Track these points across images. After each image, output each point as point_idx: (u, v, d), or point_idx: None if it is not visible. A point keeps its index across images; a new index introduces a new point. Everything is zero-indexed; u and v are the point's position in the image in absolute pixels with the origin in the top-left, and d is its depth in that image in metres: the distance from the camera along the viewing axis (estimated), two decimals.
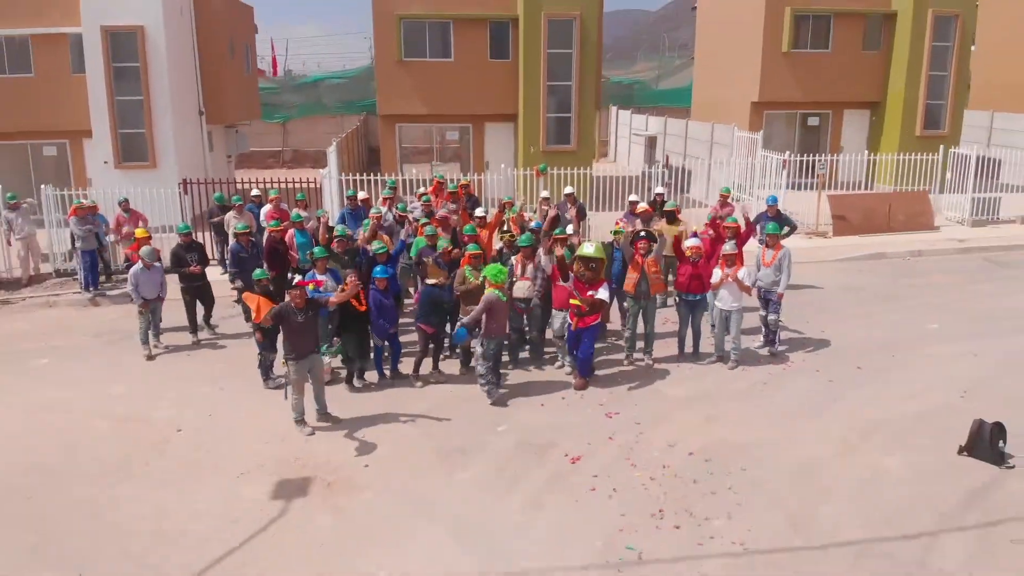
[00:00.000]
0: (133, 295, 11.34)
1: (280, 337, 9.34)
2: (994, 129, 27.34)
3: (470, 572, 6.51)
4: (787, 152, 18.95)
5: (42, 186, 16.66)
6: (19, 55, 20.62)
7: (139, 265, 11.18)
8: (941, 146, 20.37)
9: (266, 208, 14.95)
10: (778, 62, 22.94)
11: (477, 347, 9.61)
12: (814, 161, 19.04)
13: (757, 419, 9.23)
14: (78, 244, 15.07)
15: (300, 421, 9.01)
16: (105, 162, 19.73)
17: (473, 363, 10.16)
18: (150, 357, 11.59)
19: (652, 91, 37.51)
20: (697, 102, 28.67)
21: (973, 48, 26.49)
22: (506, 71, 21.26)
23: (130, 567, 6.67)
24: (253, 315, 8.80)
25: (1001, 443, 8.16)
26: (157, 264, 11.65)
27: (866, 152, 23.16)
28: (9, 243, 16.36)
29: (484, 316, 9.31)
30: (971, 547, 6.75)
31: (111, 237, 15.89)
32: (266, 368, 10.24)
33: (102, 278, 15.71)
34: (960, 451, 8.27)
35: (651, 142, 27.69)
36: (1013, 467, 8.01)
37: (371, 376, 10.54)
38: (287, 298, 8.92)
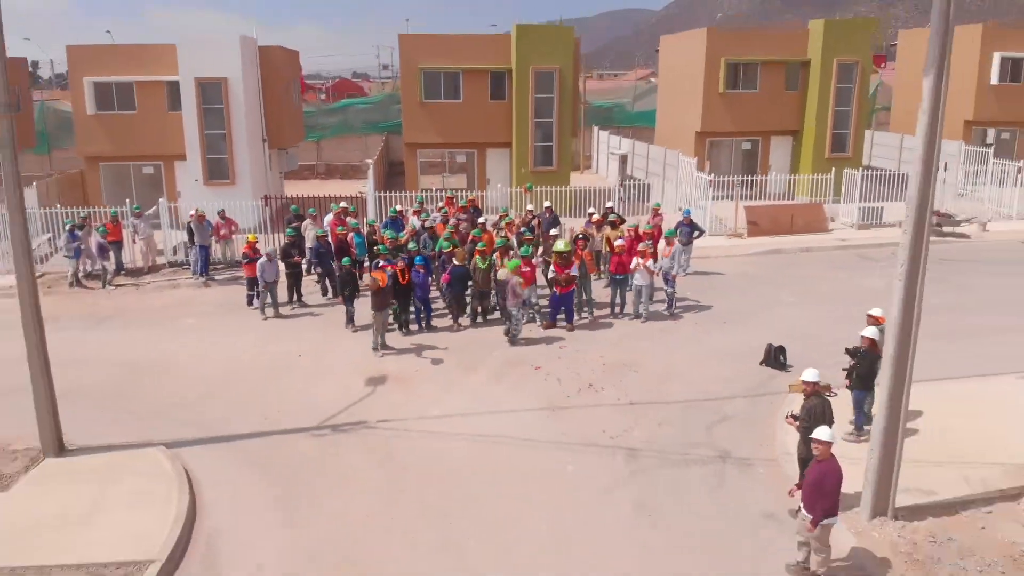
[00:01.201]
0: (260, 280, 17.28)
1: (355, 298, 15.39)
2: (904, 148, 33.30)
3: (478, 411, 12.51)
4: (711, 174, 24.87)
5: (160, 200, 22.59)
6: (125, 96, 26.58)
7: (264, 259, 17.12)
8: (833, 168, 26.35)
9: (329, 217, 20.90)
10: (716, 100, 28.96)
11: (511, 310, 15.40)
12: (732, 180, 25.03)
13: (652, 350, 15.20)
14: (196, 240, 20.96)
15: (375, 349, 15.02)
16: (196, 180, 25.71)
17: (477, 320, 16.19)
18: (265, 318, 17.54)
19: (629, 113, 43.51)
20: (659, 128, 34.74)
21: (880, 81, 32.40)
22: (503, 110, 27.36)
23: (301, 409, 12.64)
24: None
25: (782, 357, 14.12)
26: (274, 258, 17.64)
27: (787, 171, 29.20)
28: (134, 242, 22.31)
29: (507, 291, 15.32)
30: (747, 404, 12.71)
31: (212, 237, 21.86)
32: (350, 316, 16.23)
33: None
34: (760, 363, 14.24)
35: (623, 159, 33.68)
36: (789, 371, 13.94)
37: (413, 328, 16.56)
38: (369, 275, 14.93)
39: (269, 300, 17.55)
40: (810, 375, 9.35)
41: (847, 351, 11.29)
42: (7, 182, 10.83)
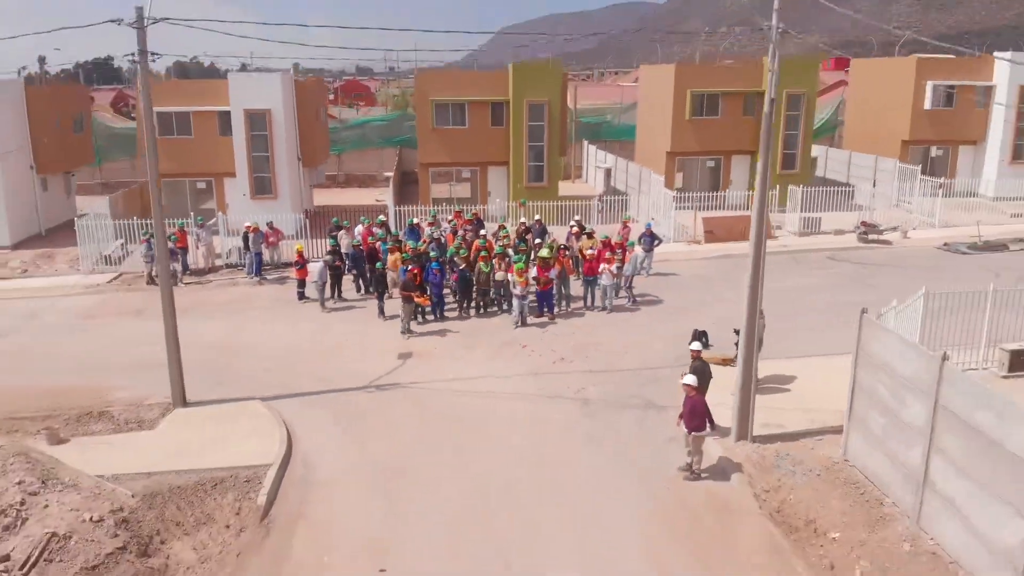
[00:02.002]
0: (318, 279, 22.15)
1: (385, 295, 20.37)
2: (852, 164, 38.11)
3: (479, 376, 17.42)
4: (677, 189, 29.74)
5: (219, 213, 27.50)
6: (183, 124, 31.44)
7: (322, 263, 22.06)
8: (778, 185, 31.19)
9: (359, 228, 25.81)
10: (683, 125, 33.84)
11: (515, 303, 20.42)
12: (693, 195, 29.92)
13: (615, 334, 20.08)
14: (251, 247, 25.85)
15: (403, 332, 19.95)
16: (244, 195, 30.64)
17: (479, 312, 21.16)
18: (323, 311, 22.38)
19: (616, 127, 48.22)
20: (638, 147, 39.64)
21: (841, 98, 37.20)
22: (502, 134, 32.35)
23: (352, 375, 17.53)
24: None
25: (704, 338, 18.97)
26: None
27: (745, 186, 34.05)
28: (197, 248, 27.21)
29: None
30: (673, 371, 17.55)
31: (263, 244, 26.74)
32: (381, 309, 21.16)
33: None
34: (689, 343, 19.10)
35: (607, 172, 38.54)
36: (709, 349, 18.78)
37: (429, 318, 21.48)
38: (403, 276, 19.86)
39: (320, 295, 22.50)
40: (695, 345, 14.22)
41: (735, 331, 16.16)
42: (156, 216, 15.77)
